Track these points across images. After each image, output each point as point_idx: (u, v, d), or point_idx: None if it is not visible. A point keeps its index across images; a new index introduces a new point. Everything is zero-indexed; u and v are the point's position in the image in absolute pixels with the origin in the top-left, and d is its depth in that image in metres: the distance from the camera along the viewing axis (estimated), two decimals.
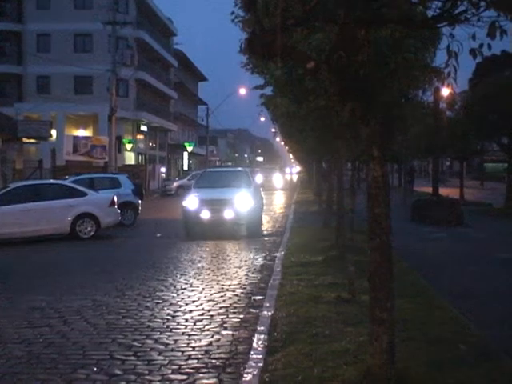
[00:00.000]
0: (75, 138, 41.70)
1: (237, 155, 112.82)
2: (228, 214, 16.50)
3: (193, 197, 16.95)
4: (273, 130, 48.83)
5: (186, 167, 69.11)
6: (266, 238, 16.12)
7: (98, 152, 39.67)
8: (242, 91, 51.94)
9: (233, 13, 7.00)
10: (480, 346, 5.92)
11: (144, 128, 53.10)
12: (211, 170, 22.64)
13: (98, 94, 44.49)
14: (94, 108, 43.97)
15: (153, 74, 53.23)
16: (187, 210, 16.73)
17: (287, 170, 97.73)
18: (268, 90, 11.90)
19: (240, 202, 16.50)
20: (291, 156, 74.75)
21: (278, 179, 54.38)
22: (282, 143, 51.00)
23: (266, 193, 39.39)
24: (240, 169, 20.87)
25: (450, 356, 5.57)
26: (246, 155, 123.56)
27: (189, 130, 75.16)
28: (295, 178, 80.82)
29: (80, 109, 44.54)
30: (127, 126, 48.72)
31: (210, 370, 5.72)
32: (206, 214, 16.51)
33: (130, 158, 48.88)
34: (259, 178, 49.59)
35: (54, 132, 37.07)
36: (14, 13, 48.95)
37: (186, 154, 68.03)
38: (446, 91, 18.43)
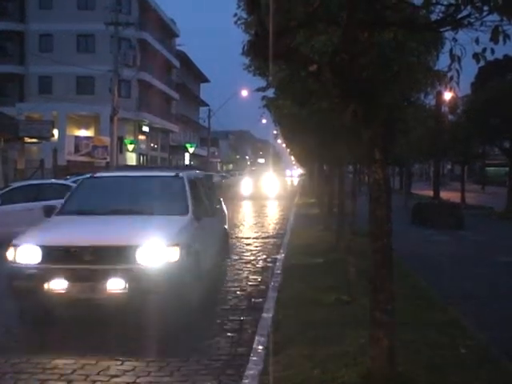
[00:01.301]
0: (77, 138, 41.79)
1: (238, 157, 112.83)
2: (114, 285, 6.88)
3: (29, 243, 7.31)
4: (274, 132, 48.56)
5: None
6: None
7: (99, 152, 39.77)
8: (244, 93, 51.96)
9: (236, 15, 7.05)
10: (481, 349, 5.91)
11: (146, 129, 53.18)
12: (104, 175, 10.34)
13: (100, 95, 44.56)
14: (95, 108, 44.03)
15: (155, 75, 53.31)
16: (15, 271, 7.21)
17: (287, 172, 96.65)
18: (270, 92, 11.90)
19: (150, 255, 7.01)
20: (293, 158, 74.64)
21: (272, 185, 41.96)
22: (284, 145, 50.57)
23: (255, 203, 33.44)
24: (169, 174, 9.59)
25: (450, 359, 5.56)
26: (247, 157, 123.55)
27: (190, 131, 75.23)
28: (296, 181, 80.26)
29: (82, 109, 44.63)
30: (129, 126, 48.76)
31: (210, 371, 5.71)
32: (59, 285, 6.96)
33: (131, 159, 48.92)
34: (247, 185, 41.40)
35: (55, 132, 37.11)
36: (17, 12, 49.09)
37: (187, 155, 68.08)
38: (448, 95, 18.44)
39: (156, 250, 7.02)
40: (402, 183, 43.37)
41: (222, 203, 12.10)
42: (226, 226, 12.10)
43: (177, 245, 7.17)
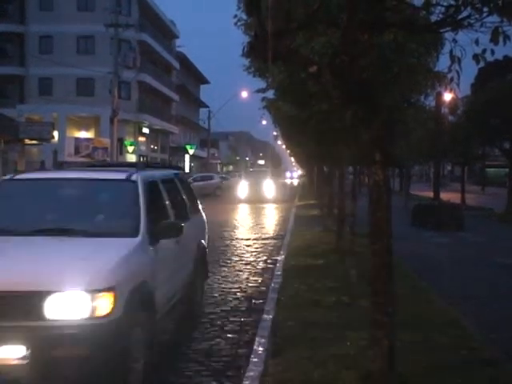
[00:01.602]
0: (77, 139, 41.81)
1: (238, 158, 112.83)
2: (10, 353, 4.36)
3: None
4: (274, 133, 48.39)
5: (187, 170, 69.18)
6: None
7: (99, 154, 39.76)
8: (244, 94, 51.92)
9: (235, 16, 7.07)
10: (481, 349, 5.91)
11: (146, 130, 53.21)
12: (29, 177, 6.74)
13: (100, 96, 44.56)
14: (95, 110, 44.03)
15: (155, 76, 53.33)
16: None
17: (287, 174, 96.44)
18: (270, 93, 11.91)
19: (65, 305, 4.43)
20: (293, 160, 74.65)
21: (269, 187, 37.38)
22: (284, 147, 50.47)
23: (254, 205, 31.63)
24: (118, 177, 6.42)
25: (450, 359, 5.56)
26: (247, 158, 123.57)
27: (190, 133, 75.23)
28: (296, 182, 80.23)
29: (82, 110, 44.64)
30: (129, 128, 48.76)
31: (211, 372, 5.72)
32: None
33: (131, 160, 48.95)
34: (244, 187, 37.02)
35: (55, 134, 37.12)
36: (17, 14, 49.09)
37: (187, 157, 68.07)
38: (448, 96, 18.45)
39: (75, 298, 4.46)
40: (401, 185, 43.40)
41: (201, 210, 8.97)
42: (205, 240, 8.73)
43: (110, 289, 4.57)
